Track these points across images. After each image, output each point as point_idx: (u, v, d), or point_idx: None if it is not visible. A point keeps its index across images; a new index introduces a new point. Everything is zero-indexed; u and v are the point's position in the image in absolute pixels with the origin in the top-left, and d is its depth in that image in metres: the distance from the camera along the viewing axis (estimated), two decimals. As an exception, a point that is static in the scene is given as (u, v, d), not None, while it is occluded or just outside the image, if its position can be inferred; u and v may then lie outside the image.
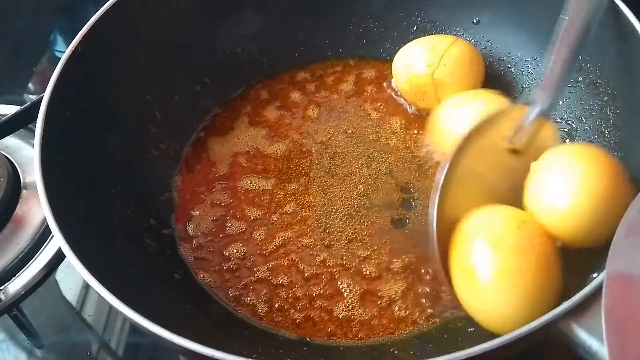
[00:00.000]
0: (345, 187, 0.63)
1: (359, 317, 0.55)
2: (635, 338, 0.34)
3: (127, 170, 0.61)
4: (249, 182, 0.64)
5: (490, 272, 0.45)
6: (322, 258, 0.58)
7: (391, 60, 0.68)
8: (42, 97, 0.54)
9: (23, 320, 0.61)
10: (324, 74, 0.73)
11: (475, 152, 0.52)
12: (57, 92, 0.54)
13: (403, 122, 0.68)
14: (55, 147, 0.52)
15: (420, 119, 0.67)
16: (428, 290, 0.55)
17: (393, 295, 0.55)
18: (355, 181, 0.63)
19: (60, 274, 0.64)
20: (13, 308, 0.61)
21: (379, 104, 0.70)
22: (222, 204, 0.63)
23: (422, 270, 0.57)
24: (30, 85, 0.85)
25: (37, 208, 0.65)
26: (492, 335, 0.41)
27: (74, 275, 0.63)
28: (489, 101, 0.59)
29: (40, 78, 0.85)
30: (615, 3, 0.53)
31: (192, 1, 0.68)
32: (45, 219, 0.52)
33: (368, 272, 0.57)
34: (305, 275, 0.57)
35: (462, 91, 0.63)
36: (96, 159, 0.57)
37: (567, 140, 0.61)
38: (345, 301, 0.56)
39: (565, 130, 0.61)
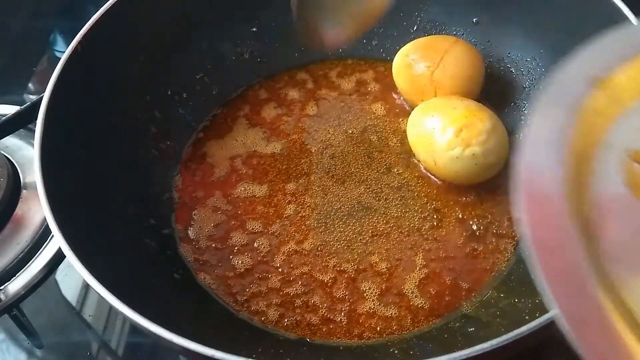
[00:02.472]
0: (345, 187, 0.63)
1: (358, 317, 0.55)
2: None
3: (127, 170, 0.61)
4: (249, 183, 0.64)
5: None
6: (322, 259, 0.58)
7: (391, 60, 0.68)
8: (42, 97, 0.54)
9: (23, 320, 0.61)
10: (323, 74, 0.73)
11: None
12: (57, 92, 0.54)
13: (403, 122, 0.67)
14: (55, 147, 0.52)
15: (420, 119, 0.67)
16: (429, 289, 0.56)
17: (393, 295, 0.56)
18: (356, 181, 0.63)
19: (60, 274, 0.64)
20: (13, 308, 0.60)
21: (379, 104, 0.70)
22: (222, 207, 0.63)
23: (424, 271, 0.57)
24: (30, 85, 0.85)
25: (37, 208, 0.65)
26: (492, 335, 0.41)
27: (74, 275, 0.63)
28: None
29: (40, 78, 0.85)
30: (615, 3, 0.54)
31: (192, 1, 0.68)
32: (45, 219, 0.52)
33: (368, 272, 0.57)
34: (305, 276, 0.57)
35: (461, 92, 0.63)
36: (96, 159, 0.57)
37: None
38: (344, 301, 0.56)
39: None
